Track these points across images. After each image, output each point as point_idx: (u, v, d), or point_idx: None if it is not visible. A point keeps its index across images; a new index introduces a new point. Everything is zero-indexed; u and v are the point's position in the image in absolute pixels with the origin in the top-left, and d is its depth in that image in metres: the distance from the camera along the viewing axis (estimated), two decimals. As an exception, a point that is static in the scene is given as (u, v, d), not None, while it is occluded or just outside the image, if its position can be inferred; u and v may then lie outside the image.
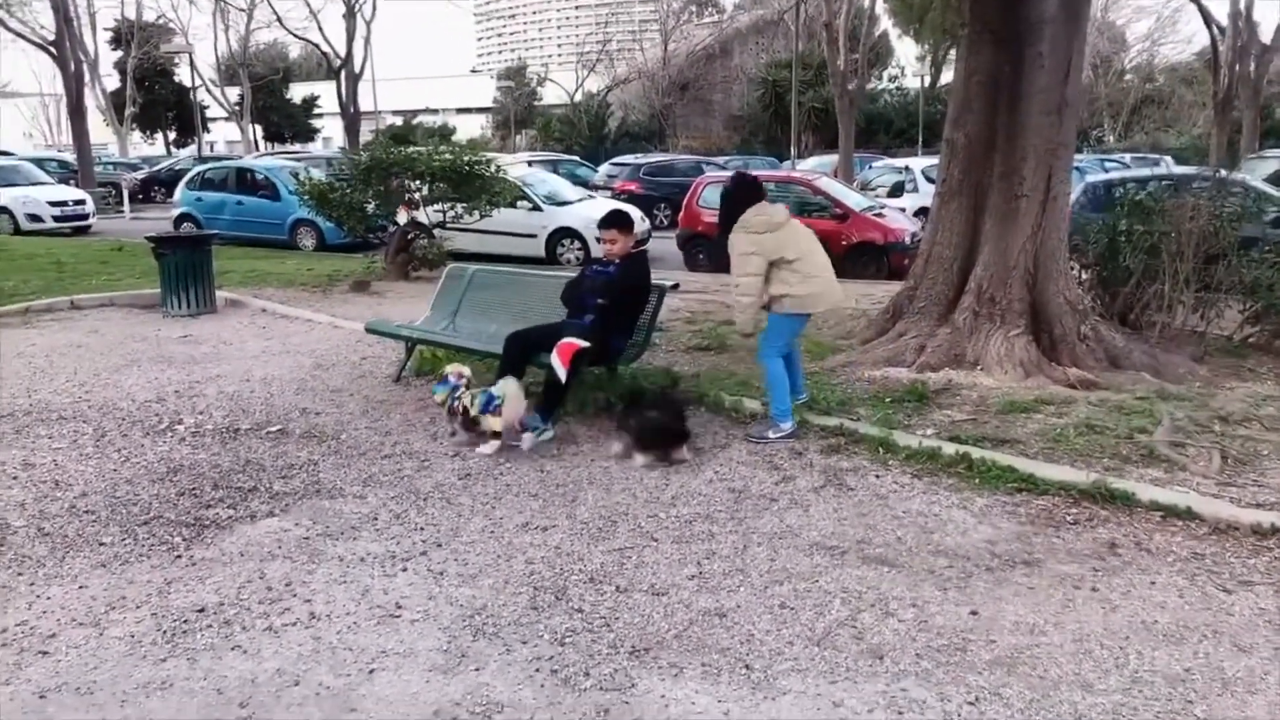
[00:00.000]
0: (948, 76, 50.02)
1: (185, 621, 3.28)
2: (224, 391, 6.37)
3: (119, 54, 49.17)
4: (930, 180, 20.22)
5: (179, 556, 3.76)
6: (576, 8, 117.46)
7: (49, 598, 3.46)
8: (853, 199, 14.39)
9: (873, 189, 19.51)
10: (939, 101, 44.83)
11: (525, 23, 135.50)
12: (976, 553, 3.79)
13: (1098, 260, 7.88)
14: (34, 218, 20.22)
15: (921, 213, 18.30)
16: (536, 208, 14.73)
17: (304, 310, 9.62)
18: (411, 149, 13.25)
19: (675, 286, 6.00)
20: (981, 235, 6.70)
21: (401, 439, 5.34)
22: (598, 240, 5.79)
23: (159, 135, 54.19)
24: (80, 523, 4.11)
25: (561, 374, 5.19)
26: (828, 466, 4.76)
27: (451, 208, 12.33)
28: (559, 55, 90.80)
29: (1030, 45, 6.27)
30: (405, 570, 3.68)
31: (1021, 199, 6.46)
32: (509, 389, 5.09)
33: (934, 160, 22.57)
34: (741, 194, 5.39)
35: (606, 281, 5.60)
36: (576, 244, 14.48)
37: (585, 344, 5.26)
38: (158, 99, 49.59)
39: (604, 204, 16.53)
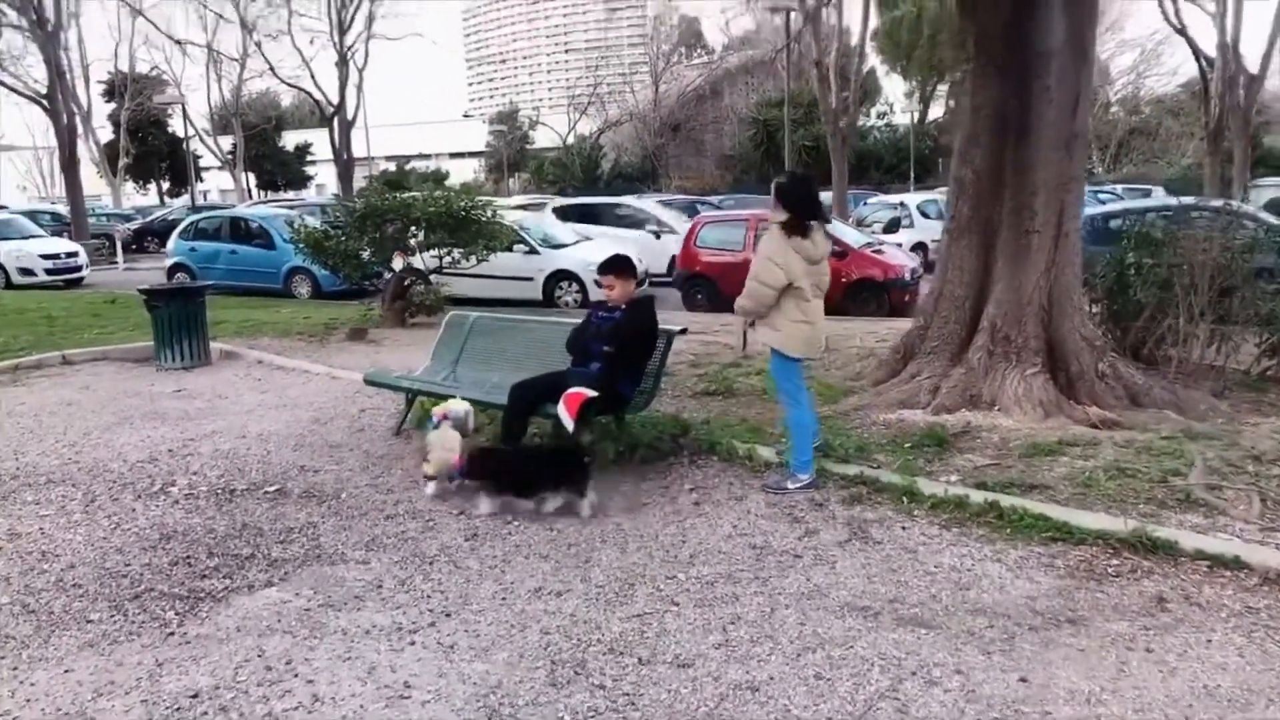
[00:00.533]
0: (936, 111, 50.62)
1: (178, 709, 3.06)
2: (219, 449, 6.17)
3: (112, 105, 49.40)
4: (925, 215, 20.28)
5: (171, 634, 3.54)
6: (566, 51, 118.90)
7: (33, 684, 3.24)
8: (851, 235, 14.31)
9: (868, 225, 19.48)
10: (928, 137, 45.27)
11: (516, 67, 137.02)
12: (1017, 610, 3.58)
13: (1106, 294, 7.75)
14: (26, 271, 20.07)
15: (918, 248, 18.29)
16: (533, 251, 14.63)
17: (300, 361, 9.43)
18: (407, 194, 13.16)
19: (683, 331, 5.84)
20: (993, 273, 6.56)
21: (404, 497, 5.14)
22: (597, 284, 5.65)
23: (152, 185, 54.31)
24: (67, 598, 3.88)
25: (569, 425, 5.00)
26: (851, 518, 4.56)
27: (448, 253, 12.21)
28: (550, 99, 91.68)
29: (1037, 78, 6.17)
30: (413, 644, 3.45)
31: (1033, 235, 6.33)
32: (434, 438, 5.11)
33: (928, 196, 22.71)
34: (808, 202, 5.07)
35: (613, 328, 5.43)
36: (574, 286, 14.36)
37: (592, 393, 5.09)
38: (151, 149, 49.80)
39: (600, 246, 16.45)
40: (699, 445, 5.60)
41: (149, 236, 31.74)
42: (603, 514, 4.75)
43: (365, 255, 12.35)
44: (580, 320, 5.77)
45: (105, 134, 50.09)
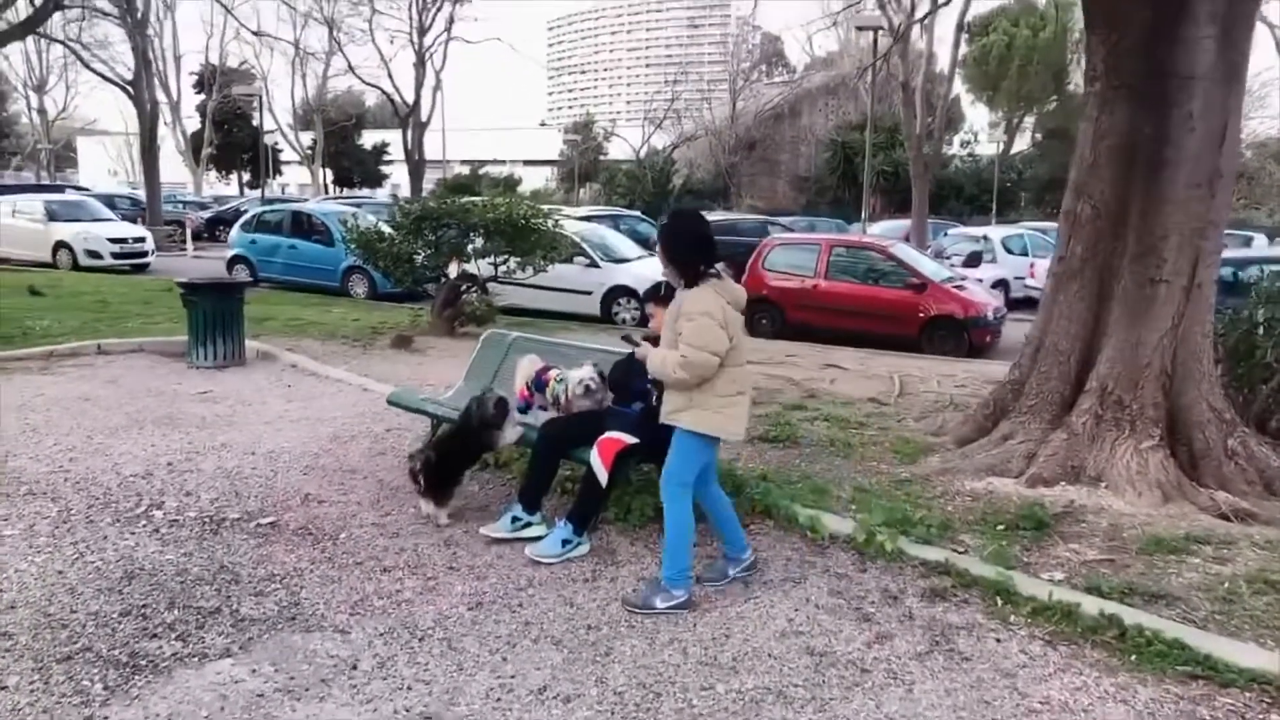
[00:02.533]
0: (1020, 144, 48.96)
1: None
2: (222, 467, 5.59)
3: (201, 97, 50.45)
4: (1010, 251, 19.17)
5: (89, 719, 2.90)
6: (647, 65, 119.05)
7: (-90, 772, 2.63)
8: (930, 268, 13.37)
9: (947, 258, 18.44)
10: (1013, 170, 43.69)
11: (595, 78, 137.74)
12: (1153, 781, 2.76)
13: (1228, 355, 6.79)
14: (93, 254, 20.13)
15: (1000, 285, 17.23)
16: (593, 264, 14.00)
17: (335, 368, 8.90)
18: (466, 199, 12.66)
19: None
20: (1107, 325, 5.68)
21: (409, 544, 4.47)
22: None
23: (234, 176, 55.31)
24: (-10, 651, 3.29)
25: (602, 476, 4.29)
26: (932, 620, 3.75)
27: (504, 261, 11.66)
28: (627, 111, 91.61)
29: (1178, 105, 5.29)
30: (377, 758, 2.77)
31: (1160, 284, 5.43)
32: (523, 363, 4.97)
33: (1013, 230, 21.55)
34: (706, 243, 3.89)
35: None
36: (633, 303, 13.68)
37: (632, 439, 4.37)
38: (234, 141, 50.61)
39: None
40: (752, 507, 4.82)
41: (221, 225, 32.00)
42: (632, 588, 4.02)
43: (419, 259, 11.84)
44: (627, 351, 5.06)
45: (193, 124, 51.24)
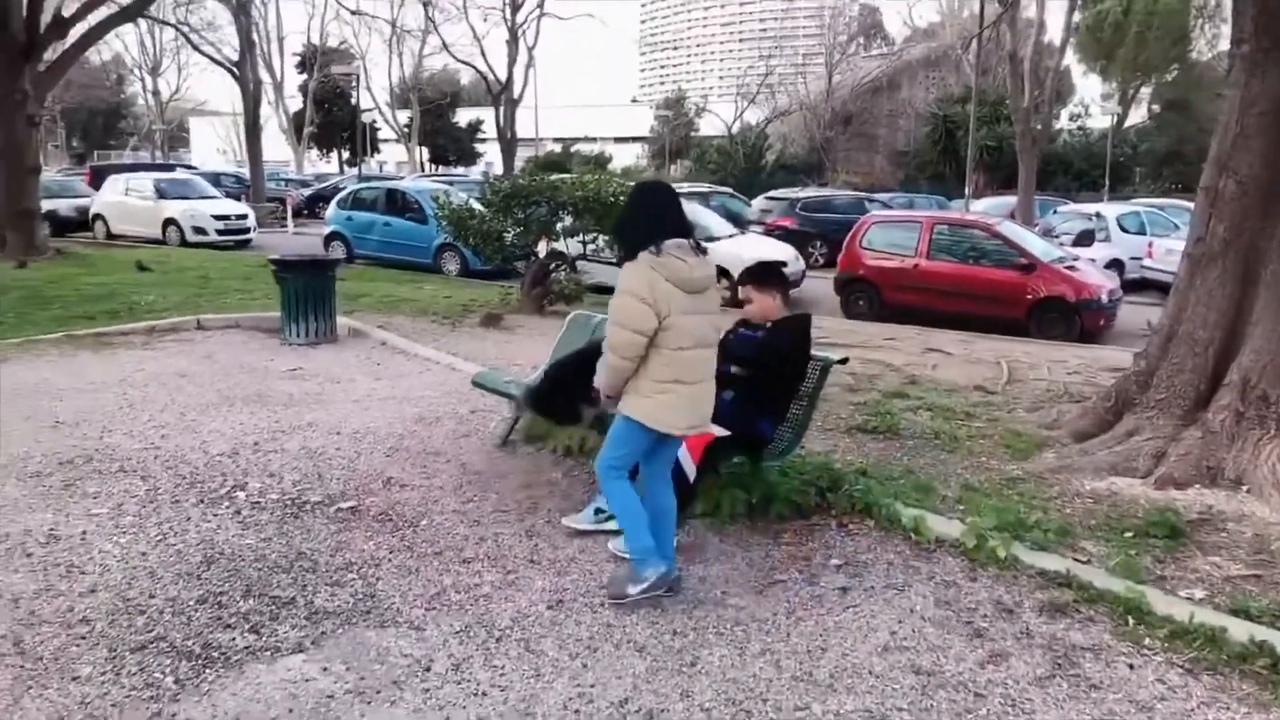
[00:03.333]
0: (1136, 116, 46.42)
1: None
2: (306, 447, 5.55)
3: (304, 77, 51.77)
4: (1125, 230, 18.07)
5: (157, 715, 2.81)
6: (740, 40, 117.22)
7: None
8: (1039, 247, 12.65)
9: (1056, 237, 17.49)
10: (1127, 144, 41.47)
11: (688, 54, 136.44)
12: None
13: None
14: (199, 230, 20.77)
15: (1113, 265, 16.27)
16: (683, 243, 13.67)
17: (425, 347, 8.87)
18: (555, 177, 12.52)
19: (844, 361, 4.76)
20: (1251, 313, 5.14)
21: (490, 533, 4.31)
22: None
23: (334, 154, 56.70)
24: (67, 637, 3.24)
25: (691, 470, 4.04)
26: (1053, 639, 3.39)
27: (593, 239, 11.48)
28: (720, 86, 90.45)
29: (1343, 67, 4.72)
30: (447, 773, 2.60)
31: (1315, 269, 4.88)
32: None
33: (1129, 207, 20.32)
34: (658, 217, 3.54)
35: (752, 350, 4.42)
36: (724, 283, 13.29)
37: (724, 432, 4.11)
38: (334, 120, 51.80)
39: (755, 242, 15.36)
40: (851, 504, 4.51)
41: (320, 203, 32.75)
42: (721, 589, 3.77)
43: (508, 237, 11.76)
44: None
45: (295, 103, 52.65)
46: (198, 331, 9.54)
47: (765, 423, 4.39)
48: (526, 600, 3.65)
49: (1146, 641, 3.37)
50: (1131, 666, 3.22)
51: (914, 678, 3.13)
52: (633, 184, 4.93)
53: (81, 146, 66.59)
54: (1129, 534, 4.27)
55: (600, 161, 48.61)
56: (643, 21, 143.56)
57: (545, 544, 4.21)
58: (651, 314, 3.38)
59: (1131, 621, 3.48)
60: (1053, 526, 4.26)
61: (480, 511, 4.59)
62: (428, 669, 3.11)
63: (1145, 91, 46.27)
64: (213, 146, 70.32)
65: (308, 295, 9.00)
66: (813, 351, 4.54)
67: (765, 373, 4.33)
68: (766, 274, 4.57)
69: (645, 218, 3.57)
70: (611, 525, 4.32)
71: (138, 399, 6.57)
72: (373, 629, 3.37)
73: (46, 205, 22.62)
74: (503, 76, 38.05)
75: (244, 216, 21.93)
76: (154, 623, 3.35)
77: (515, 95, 38.36)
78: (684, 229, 3.54)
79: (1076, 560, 3.98)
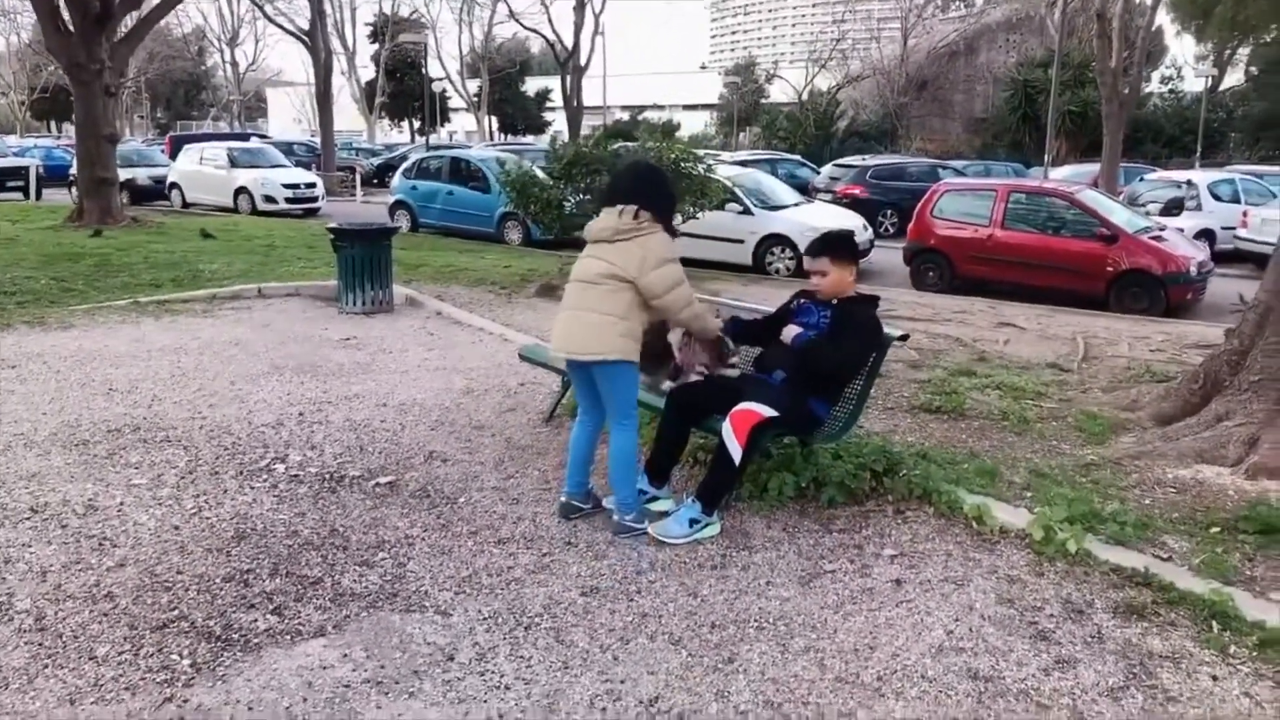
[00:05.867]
0: (1232, 78, 43.95)
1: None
2: (351, 419, 5.47)
3: (375, 46, 52.19)
4: (1218, 198, 17.09)
5: (169, 699, 2.72)
6: (813, 4, 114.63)
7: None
8: (1123, 217, 12.00)
9: (1142, 205, 16.63)
10: (1222, 108, 39.37)
11: (759, 20, 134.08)
12: None
13: None
14: (269, 199, 21.09)
15: (1204, 235, 15.42)
16: (746, 211, 13.35)
17: (479, 317, 8.78)
18: (618, 144, 12.27)
19: (904, 338, 4.46)
20: (1360, 288, 4.69)
21: (528, 512, 4.16)
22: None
23: (406, 124, 57.19)
24: (90, 614, 3.18)
25: (736, 452, 3.82)
26: (1128, 645, 3.10)
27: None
28: (791, 53, 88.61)
29: None
30: (461, 772, 2.45)
31: None
32: None
33: (1222, 174, 19.21)
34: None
35: (825, 357, 4.13)
36: (788, 253, 12.99)
37: (772, 412, 3.87)
38: (406, 89, 52.15)
39: (822, 210, 14.93)
40: (909, 490, 4.24)
41: (390, 171, 32.99)
42: (765, 579, 3.56)
43: (568, 206, 11.59)
44: (775, 310, 4.53)
45: (368, 73, 53.20)
46: (258, 299, 9.60)
47: (818, 403, 4.14)
48: (560, 585, 3.49)
49: (1233, 650, 3.06)
50: (1215, 678, 2.92)
51: (970, 683, 2.88)
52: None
53: (165, 117, 68.48)
54: (1216, 529, 3.92)
55: (668, 130, 47.94)
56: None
57: (584, 525, 4.04)
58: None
59: (1216, 627, 3.17)
60: (1130, 519, 3.93)
61: (520, 489, 4.45)
62: (451, 658, 2.97)
63: (1243, 53, 43.79)
64: (289, 116, 71.54)
65: (365, 264, 8.96)
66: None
67: (829, 356, 4.07)
68: (842, 246, 4.28)
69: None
70: (654, 508, 4.14)
71: (190, 367, 6.59)
72: (398, 613, 3.24)
73: (125, 174, 23.24)
74: (570, 44, 37.75)
75: (313, 185, 22.19)
76: (178, 600, 3.28)
77: (582, 63, 38.05)
78: None
79: (1156, 557, 3.66)
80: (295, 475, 4.54)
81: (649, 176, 4.12)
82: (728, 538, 3.91)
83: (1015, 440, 5.16)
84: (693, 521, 3.89)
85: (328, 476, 4.53)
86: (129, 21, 18.00)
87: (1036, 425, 5.40)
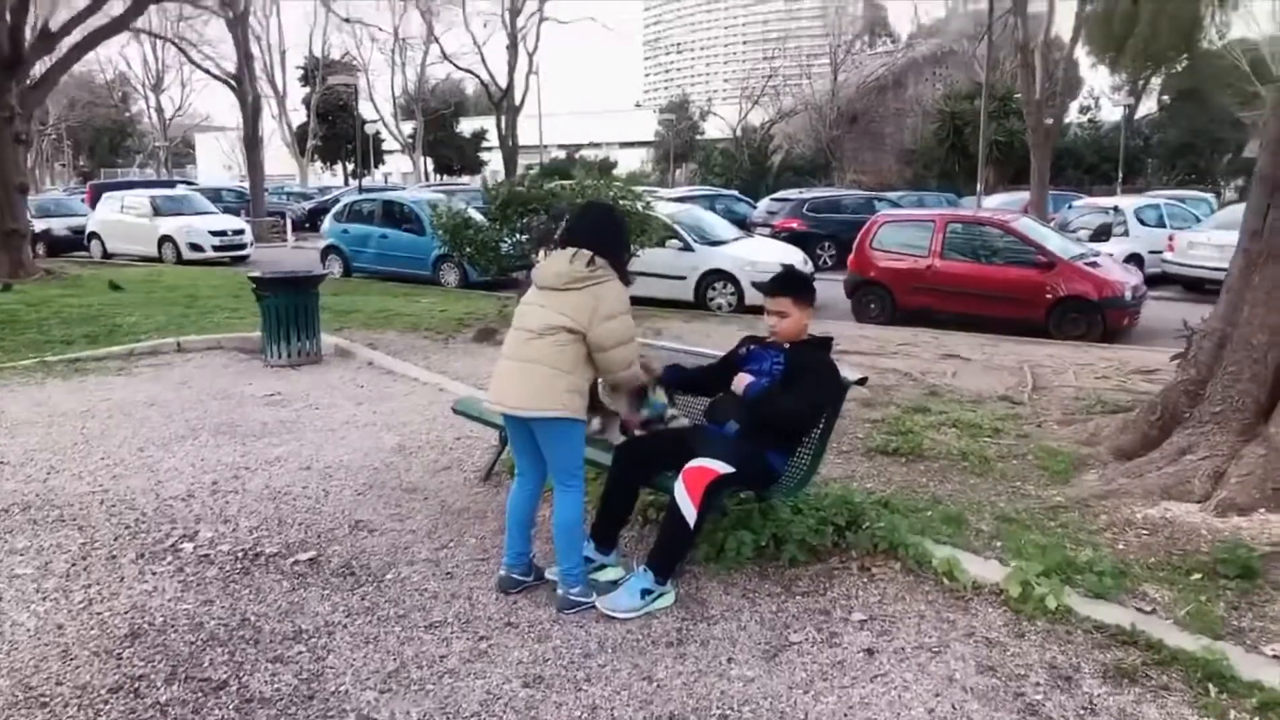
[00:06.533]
0: (1147, 107, 45.55)
1: None
2: (270, 486, 5.04)
3: (306, 90, 51.50)
4: (1144, 223, 17.46)
5: None
6: (744, 41, 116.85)
7: None
8: (1057, 244, 12.09)
9: (1072, 231, 16.89)
10: (1139, 136, 40.72)
11: (692, 57, 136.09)
12: None
13: None
14: (195, 246, 20.38)
15: (1133, 259, 15.67)
16: (687, 247, 13.17)
17: (414, 365, 8.38)
18: (554, 183, 12.02)
19: (863, 381, 4.21)
20: (1317, 314, 4.59)
21: (463, 589, 3.79)
22: (756, 287, 4.09)
23: (339, 166, 56.39)
24: (-53, 742, 2.74)
25: (690, 514, 3.51)
26: (1123, 716, 2.85)
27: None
28: (724, 89, 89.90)
29: None
30: None
31: (1393, 264, 4.33)
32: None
33: (1147, 200, 19.67)
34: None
35: (769, 378, 3.88)
36: (729, 288, 12.83)
37: (728, 469, 3.57)
38: (338, 132, 51.49)
39: (762, 244, 14.83)
40: (874, 544, 3.97)
41: (322, 216, 32.34)
42: (727, 655, 3.23)
43: (504, 247, 11.29)
44: (724, 357, 4.25)
45: (299, 116, 52.35)
46: (177, 355, 9.08)
47: (775, 455, 3.86)
48: (500, 675, 3.12)
49: (1232, 715, 2.83)
50: (1220, 752, 2.67)
51: (959, 774, 2.59)
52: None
53: (88, 165, 66.60)
54: (1196, 575, 3.72)
55: (605, 167, 48.09)
56: (646, 25, 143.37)
57: (526, 599, 3.68)
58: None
59: (1213, 690, 2.93)
60: (1107, 567, 3.70)
61: (455, 560, 4.08)
62: (372, 777, 2.59)
63: (1155, 82, 45.51)
64: (219, 162, 70.14)
65: (289, 313, 8.52)
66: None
67: (785, 405, 3.79)
68: (804, 286, 4.01)
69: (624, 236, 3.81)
70: (602, 576, 3.81)
71: (96, 433, 6.08)
72: (313, 720, 2.85)
73: (40, 225, 22.36)
74: (504, 84, 37.67)
75: (240, 231, 21.53)
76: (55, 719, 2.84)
77: (516, 102, 37.98)
78: None
79: (1139, 610, 3.44)
80: (204, 555, 4.10)
81: (604, 218, 3.82)
82: (683, 607, 3.59)
83: (977, 482, 4.94)
84: (645, 592, 3.56)
85: (241, 555, 4.11)
86: (42, 67, 17.34)
87: (997, 465, 5.20)
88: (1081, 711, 2.87)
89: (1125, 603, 3.50)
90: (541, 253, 11.23)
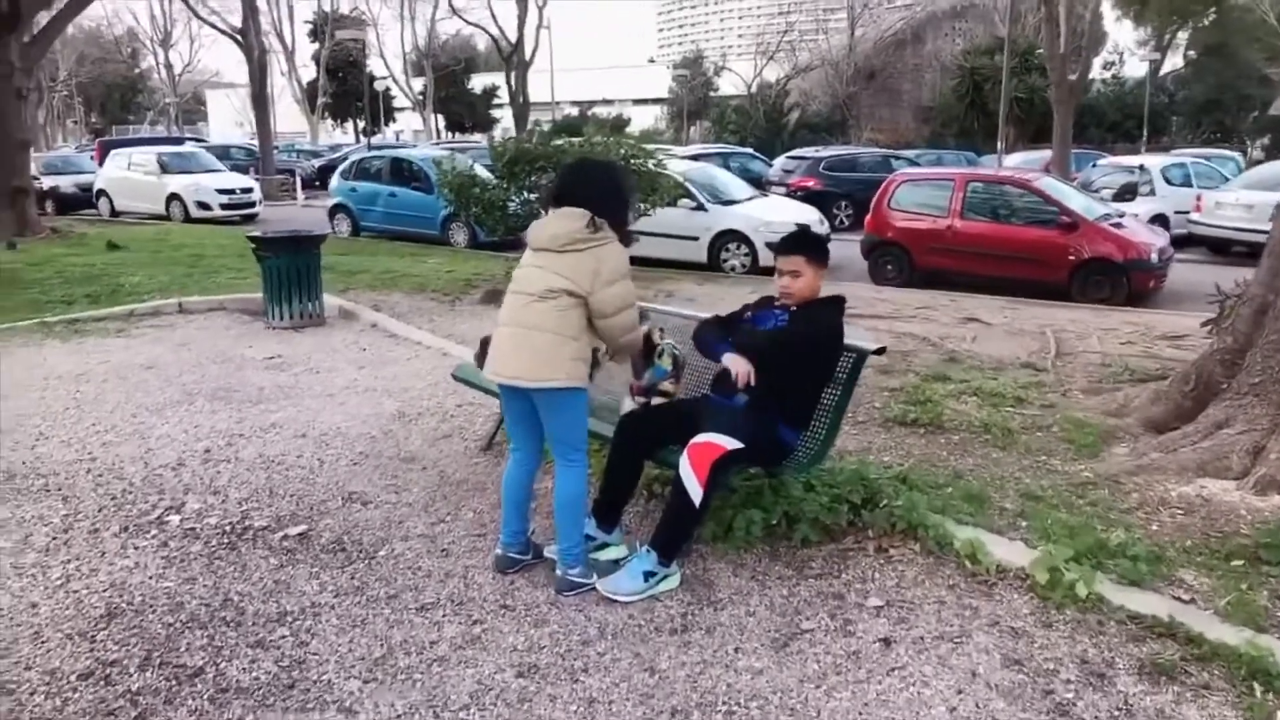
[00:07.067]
0: (1172, 62, 44.46)
1: None
2: (264, 454, 4.87)
3: (316, 45, 50.80)
4: (1170, 182, 16.98)
5: None
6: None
7: None
8: (1081, 204, 11.72)
9: (1095, 191, 16.45)
10: (1164, 92, 39.76)
11: (706, 13, 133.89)
12: None
13: None
14: (203, 205, 20.14)
15: (1158, 220, 15.25)
16: (700, 207, 12.85)
17: (418, 329, 8.18)
18: (561, 140, 11.69)
19: (881, 351, 3.96)
20: (1368, 280, 4.31)
21: (458, 567, 3.61)
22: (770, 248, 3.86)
23: (350, 124, 55.83)
24: (-96, 734, 2.58)
25: (696, 493, 3.30)
26: (1159, 714, 2.65)
27: (603, 206, 10.67)
28: (739, 45, 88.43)
29: None
30: None
31: None
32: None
33: (1173, 159, 19.14)
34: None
35: (776, 339, 3.65)
36: (743, 249, 12.53)
37: (735, 444, 3.35)
38: (349, 89, 50.82)
39: (777, 204, 14.49)
40: (892, 523, 3.75)
41: (332, 173, 32.03)
42: (734, 644, 3.04)
43: (512, 205, 11.00)
44: (725, 315, 3.99)
45: (309, 73, 51.76)
46: (179, 315, 8.91)
47: (786, 429, 3.63)
48: (492, 664, 2.94)
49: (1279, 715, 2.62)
50: (1268, 758, 2.47)
51: (984, 781, 2.40)
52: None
53: (100, 122, 66.24)
54: (1236, 560, 3.49)
55: (618, 125, 47.43)
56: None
57: (523, 580, 3.50)
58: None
59: (1259, 689, 2.72)
60: (1140, 551, 3.48)
61: (451, 536, 3.89)
62: (352, 778, 2.42)
63: (1182, 37, 44.35)
64: (230, 119, 69.60)
65: (291, 274, 8.31)
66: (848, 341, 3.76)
67: (795, 369, 3.56)
68: (819, 245, 3.76)
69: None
70: (603, 556, 3.62)
71: (90, 398, 5.92)
72: (292, 713, 2.68)
73: (48, 182, 22.19)
74: (514, 39, 37.01)
75: (249, 190, 21.25)
76: (19, 709, 2.68)
77: (527, 58, 37.32)
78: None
79: (1176, 599, 3.22)
80: (190, 529, 3.93)
81: (602, 176, 3.57)
82: (689, 590, 3.39)
83: (1000, 456, 4.71)
84: (648, 574, 3.36)
85: (228, 529, 3.94)
86: (41, 21, 17.02)
87: (1021, 437, 4.96)
88: (1116, 713, 2.66)
89: (1161, 590, 3.28)
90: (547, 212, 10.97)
